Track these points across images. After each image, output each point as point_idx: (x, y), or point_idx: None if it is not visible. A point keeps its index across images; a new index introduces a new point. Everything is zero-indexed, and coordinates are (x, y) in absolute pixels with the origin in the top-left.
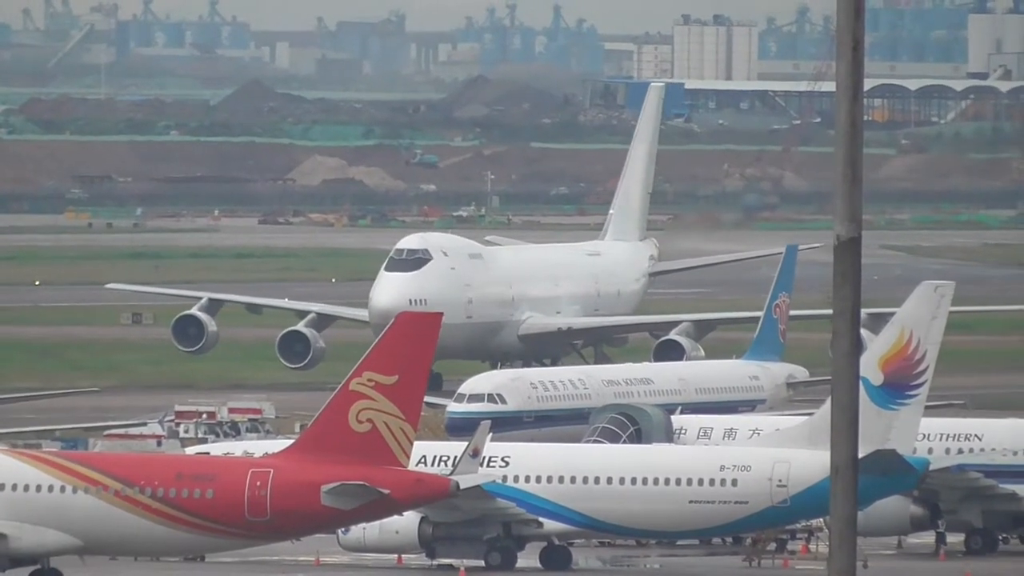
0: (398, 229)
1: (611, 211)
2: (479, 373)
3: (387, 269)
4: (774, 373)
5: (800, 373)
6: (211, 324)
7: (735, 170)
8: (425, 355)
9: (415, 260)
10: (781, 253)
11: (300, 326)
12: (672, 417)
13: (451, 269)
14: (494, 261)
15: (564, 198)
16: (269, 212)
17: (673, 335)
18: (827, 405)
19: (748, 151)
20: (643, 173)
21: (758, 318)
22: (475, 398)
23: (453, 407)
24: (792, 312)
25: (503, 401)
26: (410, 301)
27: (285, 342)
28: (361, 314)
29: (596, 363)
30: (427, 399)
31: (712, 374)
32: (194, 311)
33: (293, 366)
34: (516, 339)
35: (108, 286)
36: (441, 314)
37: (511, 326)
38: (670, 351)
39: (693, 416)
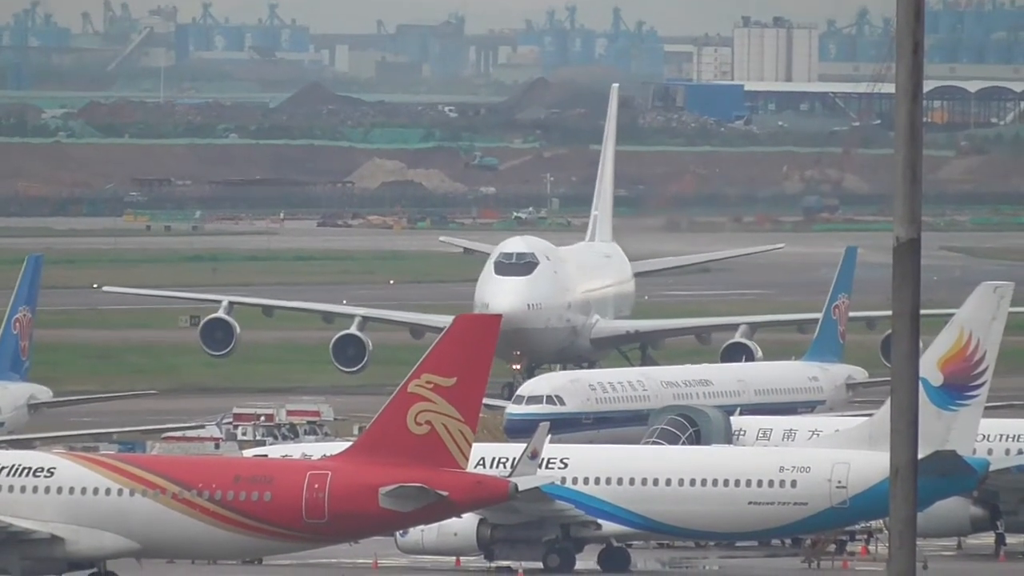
0: (457, 231)
1: (595, 212)
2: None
3: (498, 273)
4: (834, 374)
5: (859, 374)
6: (237, 327)
7: (795, 172)
8: (484, 357)
9: (525, 264)
10: (779, 248)
11: (353, 329)
12: (731, 419)
13: (554, 273)
14: (561, 264)
15: (623, 200)
16: (328, 215)
17: (740, 338)
18: (887, 406)
19: (808, 153)
20: (611, 174)
21: (817, 320)
22: (534, 400)
23: (512, 409)
24: (852, 313)
25: (562, 403)
26: (528, 306)
27: (339, 346)
28: (430, 320)
29: (643, 366)
30: (486, 401)
31: (772, 375)
32: (220, 314)
33: (347, 369)
34: (588, 343)
35: (104, 289)
36: (500, 316)
37: (585, 329)
38: (737, 354)
39: (752, 417)
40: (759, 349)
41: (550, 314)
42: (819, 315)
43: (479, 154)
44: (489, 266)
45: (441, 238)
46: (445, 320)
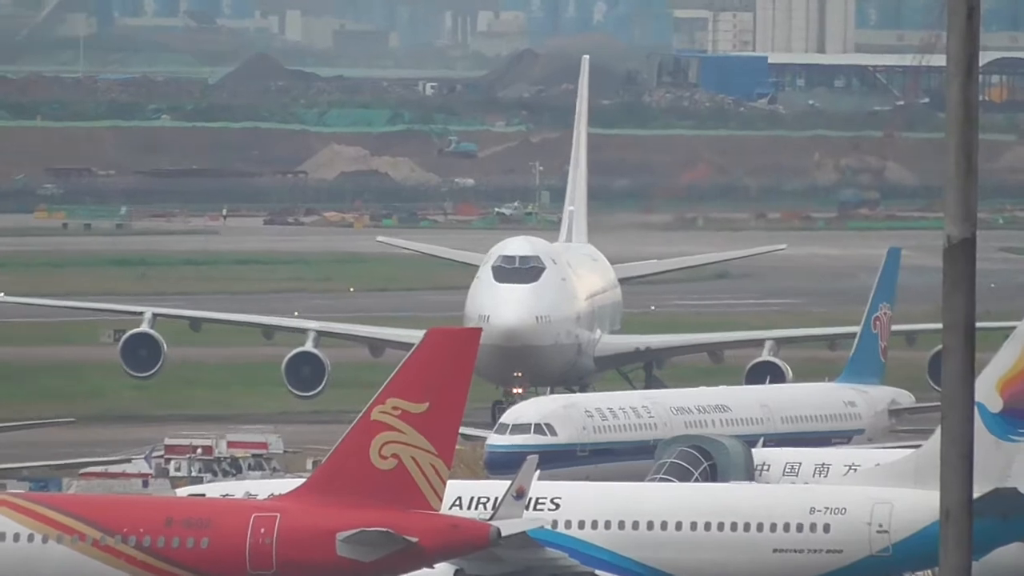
0: (430, 230)
1: (569, 207)
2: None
3: (499, 279)
4: (874, 398)
5: (904, 398)
6: (163, 344)
7: (828, 160)
8: (461, 378)
9: (530, 269)
10: (781, 249)
11: (309, 346)
12: (753, 451)
13: (562, 280)
14: (567, 269)
15: (627, 193)
16: (277, 211)
17: (768, 356)
18: (936, 436)
19: (843, 137)
20: (584, 162)
21: (855, 334)
22: (520, 429)
23: (494, 440)
24: (895, 327)
25: (553, 432)
26: (536, 318)
27: (292, 365)
28: (397, 334)
29: (647, 388)
30: (463, 430)
31: (800, 400)
32: (144, 328)
33: (303, 393)
34: (592, 361)
35: (9, 299)
36: (480, 330)
37: (589, 346)
38: (763, 375)
39: (778, 449)
40: (789, 370)
41: (559, 328)
42: (857, 328)
43: (455, 139)
44: (486, 272)
45: (379, 238)
46: (415, 335)
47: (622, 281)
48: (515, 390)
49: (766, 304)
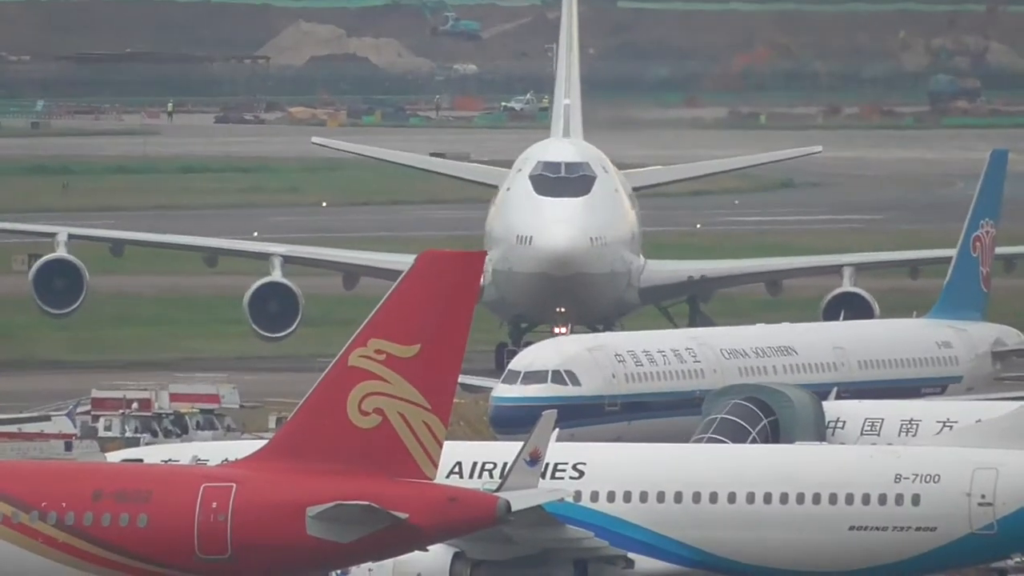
0: (422, 129)
1: (565, 100)
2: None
3: (541, 191)
4: (973, 338)
5: (1011, 337)
6: (85, 272)
7: (916, 40)
8: (460, 314)
9: (579, 180)
10: (816, 152)
11: (277, 275)
12: (824, 404)
13: (615, 192)
14: (618, 179)
15: (666, 83)
16: (232, 105)
17: (849, 286)
18: None
19: (936, 12)
20: (575, 40)
21: (950, 258)
22: (534, 377)
23: (501, 391)
24: (1000, 249)
25: (575, 381)
26: (591, 240)
27: (256, 300)
28: (382, 260)
29: (691, 326)
30: (463, 379)
31: (883, 340)
32: (60, 254)
33: (271, 334)
34: (637, 295)
35: None
36: (484, 254)
37: (635, 275)
38: (844, 309)
39: (855, 402)
40: (876, 304)
41: (614, 252)
42: (952, 251)
43: (452, 15)
44: (521, 182)
45: (314, 139)
46: (403, 260)
47: (638, 191)
48: (558, 330)
49: (840, 221)
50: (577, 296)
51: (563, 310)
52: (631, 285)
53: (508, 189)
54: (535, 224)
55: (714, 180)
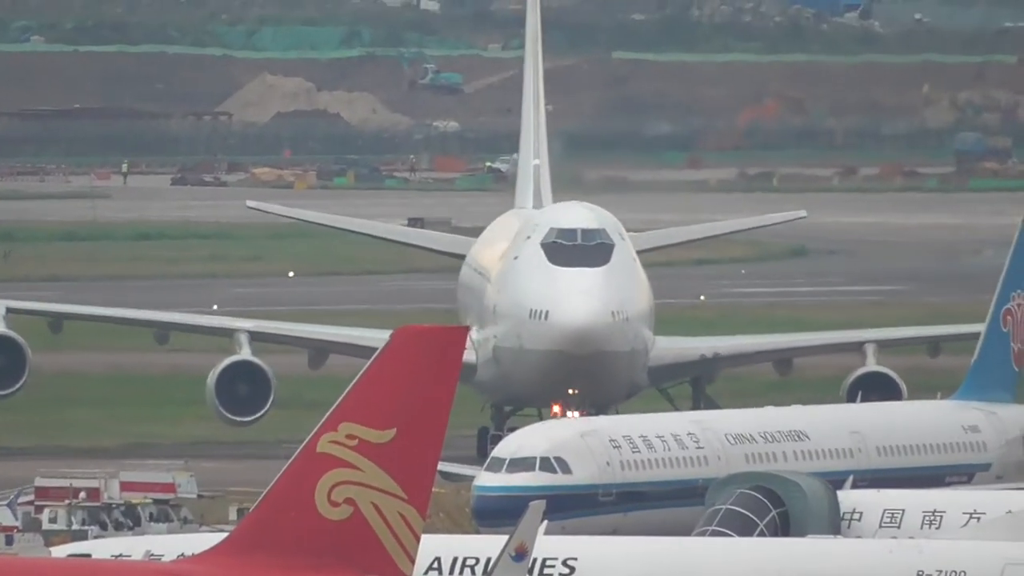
0: (398, 192)
1: (534, 161)
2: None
3: (557, 261)
4: (1004, 421)
5: None
6: (27, 350)
7: (941, 94)
8: (440, 395)
9: (598, 248)
10: (800, 217)
11: (246, 353)
12: (840, 493)
13: (633, 261)
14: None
15: (667, 141)
16: (190, 166)
17: (874, 364)
18: None
19: (962, 64)
20: (540, 95)
21: (978, 334)
22: (520, 464)
23: (485, 479)
24: None
25: (566, 469)
26: (613, 315)
27: (223, 381)
28: (354, 336)
29: (695, 408)
30: (443, 467)
31: (904, 423)
32: None
33: (239, 418)
34: (646, 372)
35: None
36: (467, 329)
37: (648, 352)
38: (869, 389)
39: (873, 492)
40: (904, 385)
41: (636, 328)
42: (980, 326)
43: (432, 67)
44: (531, 251)
45: (249, 203)
46: (378, 336)
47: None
48: (571, 414)
49: (858, 292)
50: (595, 376)
51: (576, 392)
52: (644, 365)
53: (516, 258)
54: (551, 297)
55: (719, 247)
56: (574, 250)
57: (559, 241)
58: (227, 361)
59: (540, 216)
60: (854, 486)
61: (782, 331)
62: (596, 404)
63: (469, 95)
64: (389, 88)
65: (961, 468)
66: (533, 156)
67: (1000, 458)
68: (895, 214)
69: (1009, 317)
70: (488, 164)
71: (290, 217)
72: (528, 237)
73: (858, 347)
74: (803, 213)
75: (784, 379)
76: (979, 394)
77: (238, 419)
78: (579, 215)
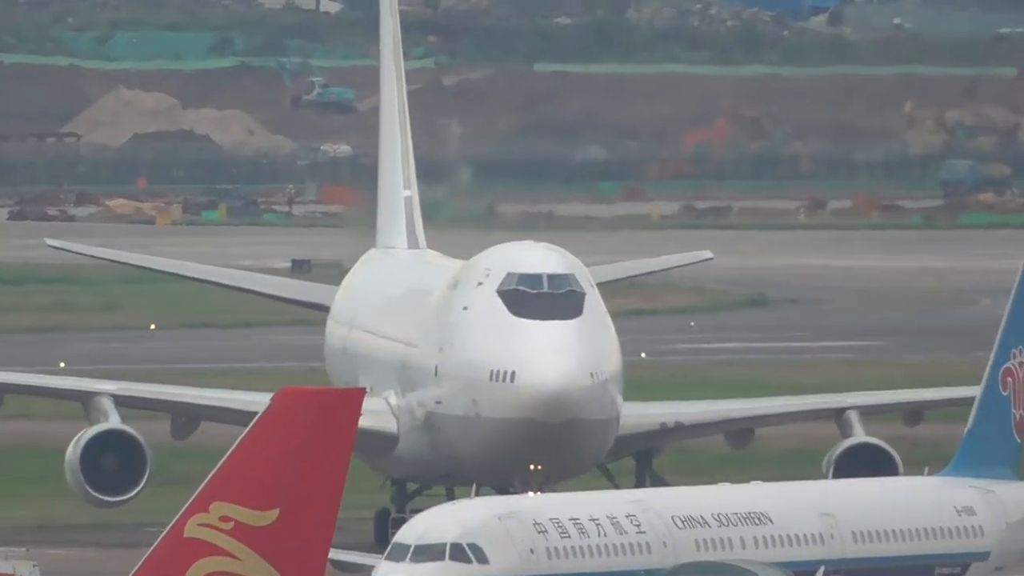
0: (279, 228)
1: (405, 192)
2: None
3: (518, 312)
4: (1004, 501)
5: None
6: None
7: (926, 113)
8: (332, 470)
9: (567, 296)
10: (707, 259)
11: (115, 421)
12: None
13: (604, 314)
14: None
15: (599, 169)
16: (31, 198)
17: (866, 436)
18: None
19: (951, 77)
20: (407, 118)
21: (972, 398)
22: (428, 552)
23: (386, 570)
24: None
25: (482, 559)
26: (591, 376)
27: (87, 454)
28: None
29: (638, 485)
30: (336, 555)
31: (885, 505)
32: None
33: (108, 498)
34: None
35: None
36: (363, 391)
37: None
38: (857, 465)
39: None
40: (899, 459)
41: (611, 392)
42: (975, 389)
43: (320, 80)
44: (484, 298)
45: (48, 241)
46: (256, 400)
47: None
48: (532, 494)
49: (828, 349)
50: (566, 448)
51: (539, 467)
52: (615, 435)
53: (465, 309)
54: (517, 355)
55: (660, 296)
56: (540, 300)
57: (521, 288)
58: (94, 430)
59: (487, 259)
60: None
61: (739, 395)
62: (559, 480)
63: (363, 113)
64: (268, 105)
65: (954, 558)
66: (403, 186)
67: (999, 545)
68: (871, 256)
69: (1009, 378)
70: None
71: (100, 258)
72: (480, 284)
73: (834, 414)
74: (708, 254)
75: (740, 451)
76: (974, 470)
77: (108, 498)
78: (542, 257)
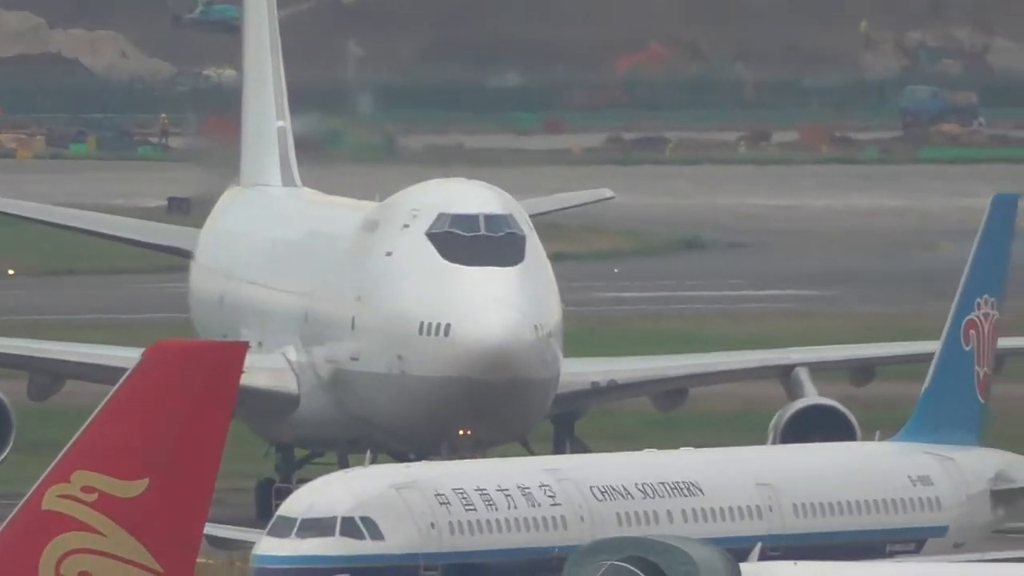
0: (155, 164)
1: (279, 123)
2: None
3: (451, 258)
4: (964, 470)
5: (1021, 470)
6: None
7: (884, 34)
8: (209, 434)
9: (507, 240)
10: (608, 197)
11: None
12: (743, 566)
13: (545, 258)
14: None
15: (516, 96)
16: None
17: (821, 398)
18: None
19: None
20: (279, 55)
21: (931, 354)
22: (315, 527)
23: (267, 547)
24: (1005, 340)
25: (376, 534)
26: (536, 328)
27: None
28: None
29: (557, 452)
30: (212, 529)
31: (830, 474)
32: None
33: None
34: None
35: None
36: (246, 344)
37: None
38: (809, 430)
39: (787, 565)
40: (856, 423)
41: (554, 348)
42: (935, 344)
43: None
44: (412, 242)
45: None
46: (125, 356)
47: None
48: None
49: (769, 298)
50: (507, 411)
51: (469, 432)
52: (553, 395)
53: (389, 254)
54: (452, 306)
55: (583, 239)
56: (476, 243)
57: (455, 231)
58: None
59: (413, 199)
60: (763, 557)
61: (671, 350)
62: (492, 446)
63: None
64: (145, 25)
65: (907, 533)
66: (275, 116)
67: (959, 519)
68: (820, 194)
69: (973, 332)
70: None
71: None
72: (406, 226)
73: (780, 372)
74: (608, 193)
75: (669, 414)
76: (932, 434)
77: None
78: (477, 196)
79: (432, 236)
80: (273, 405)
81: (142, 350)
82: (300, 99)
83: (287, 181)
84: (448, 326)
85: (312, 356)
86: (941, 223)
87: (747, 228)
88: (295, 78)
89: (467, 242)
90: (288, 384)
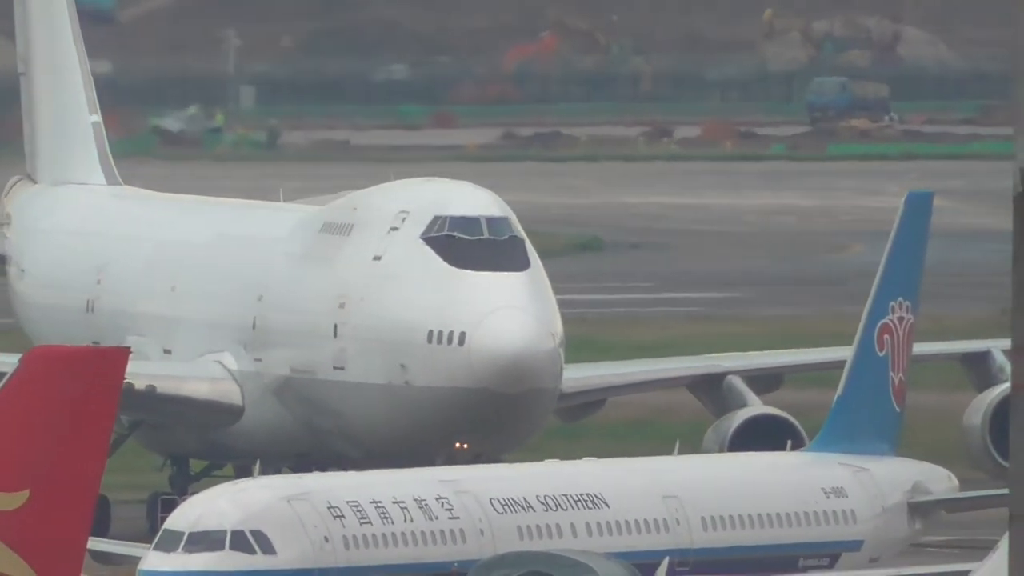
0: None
1: (94, 117)
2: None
3: (457, 263)
4: (880, 481)
5: (938, 481)
6: None
7: (790, 22)
8: (91, 444)
9: (511, 244)
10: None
11: None
12: None
13: (540, 263)
14: None
15: (403, 89)
16: None
17: (765, 408)
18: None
19: None
20: (75, 29)
21: (843, 361)
22: (204, 541)
23: (154, 562)
24: (921, 345)
25: (267, 548)
26: (552, 337)
27: None
28: None
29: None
30: (96, 544)
31: (740, 485)
32: None
33: None
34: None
35: None
36: (128, 350)
37: None
38: (754, 440)
39: None
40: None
41: (562, 355)
42: (847, 350)
43: None
44: (407, 246)
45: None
46: (3, 361)
47: None
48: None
49: (669, 302)
50: (517, 423)
51: (467, 446)
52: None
53: (377, 259)
54: (466, 313)
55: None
56: (480, 247)
57: (456, 235)
58: None
59: (395, 200)
60: (671, 572)
61: (574, 358)
62: (489, 461)
63: (125, 26)
64: (6, 14)
65: (821, 547)
66: (89, 111)
67: (874, 532)
68: (724, 192)
69: (887, 336)
70: (154, 122)
71: None
72: (394, 229)
73: (713, 380)
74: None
75: (572, 424)
76: (845, 444)
77: None
78: (473, 198)
79: (430, 240)
80: (211, 417)
81: (19, 355)
82: (176, 92)
83: (111, 180)
84: (463, 334)
85: (263, 365)
86: (852, 223)
87: (647, 228)
88: (170, 71)
89: (470, 246)
90: (230, 394)
